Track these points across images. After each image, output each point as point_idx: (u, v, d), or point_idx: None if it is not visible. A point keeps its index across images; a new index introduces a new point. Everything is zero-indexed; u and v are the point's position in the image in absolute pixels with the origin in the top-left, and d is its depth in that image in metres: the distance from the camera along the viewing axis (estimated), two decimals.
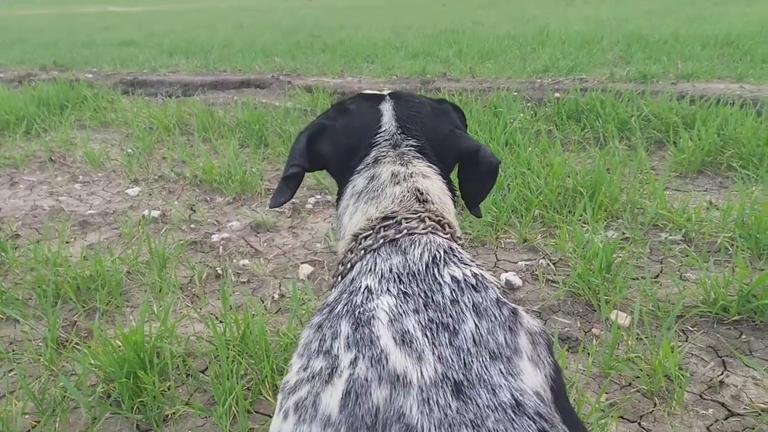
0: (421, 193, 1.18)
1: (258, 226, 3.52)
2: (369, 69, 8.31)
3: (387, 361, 0.85)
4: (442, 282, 0.96)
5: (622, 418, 1.96)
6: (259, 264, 3.07)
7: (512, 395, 0.80)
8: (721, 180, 3.78)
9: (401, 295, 0.94)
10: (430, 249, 1.04)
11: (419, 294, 0.94)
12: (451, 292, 0.94)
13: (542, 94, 5.72)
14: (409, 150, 1.24)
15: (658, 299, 2.52)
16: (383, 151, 1.23)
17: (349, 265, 1.12)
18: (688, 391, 2.05)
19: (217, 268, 3.03)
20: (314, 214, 3.66)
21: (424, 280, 0.97)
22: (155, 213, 3.73)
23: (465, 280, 0.96)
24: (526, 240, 3.11)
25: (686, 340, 2.32)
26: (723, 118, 4.19)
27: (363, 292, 0.99)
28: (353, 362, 0.87)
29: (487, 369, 0.83)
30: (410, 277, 0.98)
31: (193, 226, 3.59)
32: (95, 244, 3.29)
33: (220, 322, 2.49)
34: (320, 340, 0.95)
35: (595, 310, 2.52)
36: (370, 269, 1.04)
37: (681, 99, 4.79)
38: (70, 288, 2.75)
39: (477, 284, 0.95)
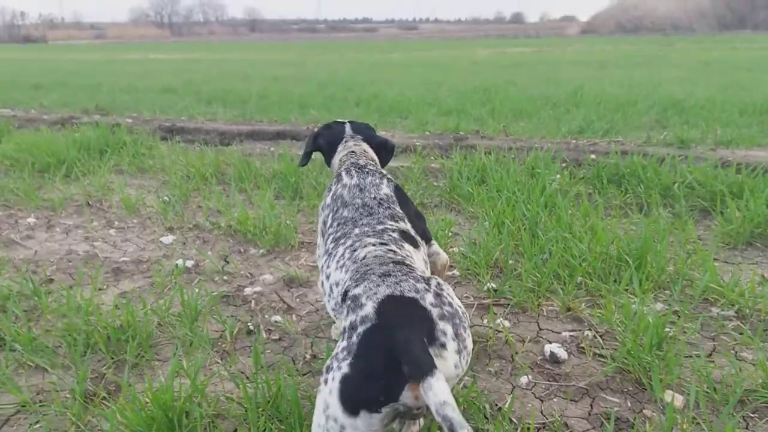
0: (366, 152, 2.71)
1: (291, 280, 3.46)
2: (402, 124, 8.37)
3: (348, 193, 2.35)
4: (370, 187, 2.37)
5: None
6: (291, 321, 3.00)
7: (375, 195, 2.31)
8: None
9: (354, 181, 2.40)
10: (372, 173, 2.45)
11: (361, 185, 2.37)
12: (373, 190, 2.35)
13: (578, 155, 5.66)
14: (360, 140, 2.78)
15: (714, 380, 2.37)
16: (349, 140, 2.78)
17: (337, 175, 2.54)
18: None
19: (249, 324, 2.96)
20: None
21: (365, 180, 2.40)
22: (189, 263, 3.70)
23: (379, 188, 2.39)
24: (569, 309, 2.99)
25: (746, 428, 2.16)
26: None
27: (340, 176, 2.48)
28: (335, 191, 2.42)
29: (370, 190, 2.33)
30: (360, 174, 2.43)
31: (225, 277, 3.54)
32: (128, 292, 3.26)
33: (251, 381, 2.40)
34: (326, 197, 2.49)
35: (646, 389, 2.37)
36: (344, 169, 2.52)
37: (725, 167, 4.68)
38: (101, 338, 2.70)
39: (379, 183, 2.41)
